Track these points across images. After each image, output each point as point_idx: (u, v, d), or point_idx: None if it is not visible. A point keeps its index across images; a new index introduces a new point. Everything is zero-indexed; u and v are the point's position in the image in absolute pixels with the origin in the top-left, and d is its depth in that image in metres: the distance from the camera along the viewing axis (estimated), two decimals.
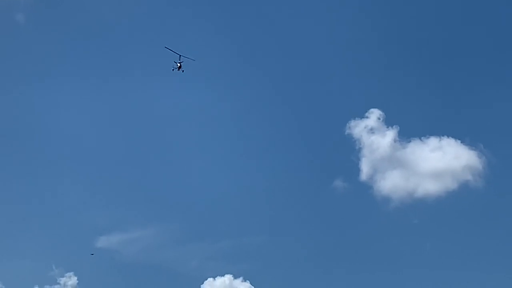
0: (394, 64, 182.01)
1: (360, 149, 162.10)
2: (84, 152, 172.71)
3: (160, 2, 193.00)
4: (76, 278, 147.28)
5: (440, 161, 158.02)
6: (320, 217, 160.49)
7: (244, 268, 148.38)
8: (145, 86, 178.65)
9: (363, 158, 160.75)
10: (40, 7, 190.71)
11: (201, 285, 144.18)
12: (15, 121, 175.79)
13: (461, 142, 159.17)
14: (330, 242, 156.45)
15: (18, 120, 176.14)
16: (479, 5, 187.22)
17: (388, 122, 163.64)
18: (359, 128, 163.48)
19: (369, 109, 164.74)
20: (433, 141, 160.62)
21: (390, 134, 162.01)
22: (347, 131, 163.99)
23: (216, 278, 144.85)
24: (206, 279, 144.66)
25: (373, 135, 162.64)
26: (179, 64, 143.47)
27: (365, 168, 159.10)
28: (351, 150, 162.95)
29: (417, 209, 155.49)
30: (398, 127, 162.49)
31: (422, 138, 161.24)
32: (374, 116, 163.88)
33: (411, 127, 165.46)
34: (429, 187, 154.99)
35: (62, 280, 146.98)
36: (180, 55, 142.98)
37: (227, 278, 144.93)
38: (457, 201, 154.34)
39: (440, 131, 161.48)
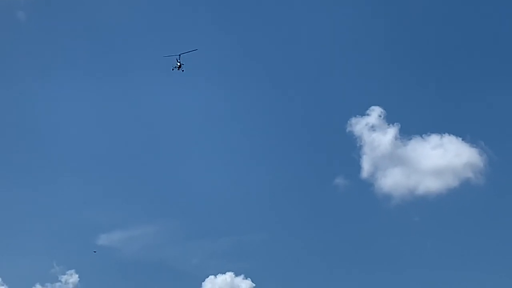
0: (395, 61, 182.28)
1: (361, 147, 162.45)
2: (85, 150, 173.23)
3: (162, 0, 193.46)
4: (77, 275, 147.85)
5: (441, 159, 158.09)
6: (321, 214, 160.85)
7: (245, 266, 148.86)
8: (147, 85, 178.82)
9: (364, 155, 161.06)
10: (41, 5, 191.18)
11: (203, 283, 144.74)
12: (16, 119, 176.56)
13: (462, 140, 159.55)
14: (331, 239, 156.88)
15: (19, 118, 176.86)
16: (480, 3, 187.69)
17: (389, 119, 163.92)
18: (360, 125, 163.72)
19: (370, 106, 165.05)
20: (434, 138, 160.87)
21: (391, 132, 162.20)
22: (348, 129, 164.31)
23: (217, 276, 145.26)
24: (208, 277, 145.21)
25: (374, 132, 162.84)
26: (179, 64, 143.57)
27: (366, 165, 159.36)
28: (352, 147, 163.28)
29: (418, 206, 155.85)
30: (399, 125, 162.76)
31: (423, 135, 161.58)
32: (375, 113, 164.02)
33: (412, 125, 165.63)
34: (430, 185, 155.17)
35: (63, 278, 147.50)
36: (179, 55, 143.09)
37: (229, 275, 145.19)
38: (458, 199, 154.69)
39: (441, 129, 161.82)
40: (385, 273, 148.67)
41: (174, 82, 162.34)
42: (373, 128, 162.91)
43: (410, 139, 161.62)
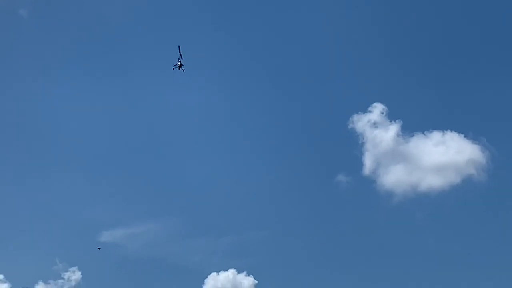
0: (397, 58, 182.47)
1: (363, 144, 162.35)
2: (88, 148, 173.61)
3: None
4: (80, 272, 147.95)
5: (443, 155, 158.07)
6: (323, 211, 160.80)
7: (247, 263, 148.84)
8: (149, 83, 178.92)
9: (366, 152, 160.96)
10: (42, 3, 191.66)
11: (205, 280, 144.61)
12: (18, 117, 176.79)
13: (464, 136, 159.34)
14: (333, 236, 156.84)
15: (21, 116, 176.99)
16: (482, 0, 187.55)
17: (391, 116, 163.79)
18: (362, 122, 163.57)
19: (372, 103, 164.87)
20: (436, 135, 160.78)
21: (393, 129, 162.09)
22: (350, 126, 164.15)
23: (219, 273, 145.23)
24: (210, 274, 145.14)
25: (376, 129, 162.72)
26: (179, 63, 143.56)
27: (368, 162, 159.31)
28: (354, 144, 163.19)
29: (420, 203, 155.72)
30: (401, 122, 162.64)
31: (425, 132, 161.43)
32: (377, 110, 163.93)
33: (414, 122, 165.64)
34: (432, 182, 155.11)
35: (66, 275, 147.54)
36: (180, 54, 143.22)
37: (231, 272, 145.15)
38: (460, 195, 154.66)
39: (443, 125, 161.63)
40: (387, 270, 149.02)
41: (176, 81, 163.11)
42: (375, 125, 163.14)
43: (412, 136, 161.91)
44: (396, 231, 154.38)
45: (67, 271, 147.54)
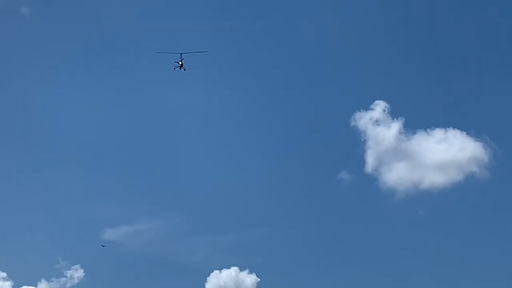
0: (399, 56, 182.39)
1: (365, 141, 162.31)
2: (90, 146, 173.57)
3: None
4: (82, 270, 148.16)
5: (445, 153, 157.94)
6: (326, 209, 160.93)
7: (250, 261, 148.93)
8: (152, 81, 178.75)
9: (368, 150, 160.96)
10: (44, 1, 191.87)
11: (207, 278, 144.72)
12: (20, 115, 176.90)
13: (467, 134, 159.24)
14: (335, 234, 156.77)
15: (23, 114, 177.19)
16: None
17: (393, 114, 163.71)
18: (364, 120, 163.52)
19: (374, 101, 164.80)
20: (438, 132, 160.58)
21: (395, 126, 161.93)
22: (352, 123, 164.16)
23: (222, 271, 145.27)
24: (212, 272, 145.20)
25: (378, 127, 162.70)
26: (180, 63, 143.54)
27: (370, 160, 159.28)
28: (356, 142, 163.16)
29: (423, 201, 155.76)
30: (403, 119, 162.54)
31: (427, 129, 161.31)
32: (379, 108, 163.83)
33: (416, 119, 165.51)
34: (435, 179, 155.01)
35: (69, 273, 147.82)
36: (181, 53, 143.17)
37: (233, 270, 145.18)
38: (462, 193, 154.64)
39: (445, 123, 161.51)
40: (390, 267, 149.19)
41: (178, 80, 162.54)
42: (377, 122, 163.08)
43: (415, 133, 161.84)
44: (398, 228, 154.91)
45: (69, 269, 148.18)
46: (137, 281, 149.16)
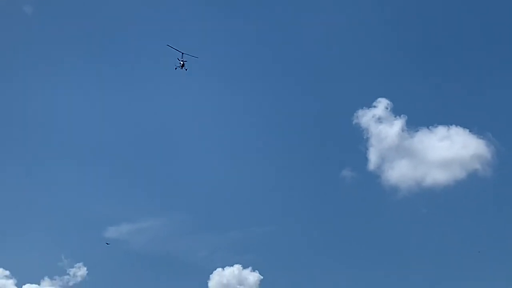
0: (401, 53, 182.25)
1: (368, 139, 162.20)
2: (93, 144, 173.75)
3: None
4: (85, 268, 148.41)
5: (448, 150, 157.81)
6: (328, 206, 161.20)
7: (253, 258, 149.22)
8: (154, 81, 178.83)
9: (371, 147, 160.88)
10: None
11: (210, 275, 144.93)
12: (24, 112, 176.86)
13: (469, 131, 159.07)
14: (338, 231, 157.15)
15: (27, 112, 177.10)
16: None
17: (396, 111, 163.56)
18: (367, 117, 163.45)
19: (376, 98, 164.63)
20: (441, 130, 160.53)
21: (398, 124, 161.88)
22: (355, 121, 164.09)
23: (225, 268, 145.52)
24: (215, 269, 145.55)
25: (381, 124, 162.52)
26: (182, 63, 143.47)
27: (373, 157, 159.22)
28: (359, 139, 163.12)
29: (425, 198, 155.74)
30: (406, 117, 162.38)
31: (430, 127, 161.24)
32: (382, 105, 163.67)
33: (419, 116, 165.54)
34: (437, 176, 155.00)
35: (72, 271, 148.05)
36: (182, 53, 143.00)
37: (236, 268, 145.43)
38: (465, 190, 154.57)
39: (448, 120, 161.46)
40: (392, 265, 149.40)
41: (181, 79, 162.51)
42: (379, 120, 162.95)
43: (417, 131, 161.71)
44: (400, 226, 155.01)
45: (72, 267, 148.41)
46: (140, 279, 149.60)
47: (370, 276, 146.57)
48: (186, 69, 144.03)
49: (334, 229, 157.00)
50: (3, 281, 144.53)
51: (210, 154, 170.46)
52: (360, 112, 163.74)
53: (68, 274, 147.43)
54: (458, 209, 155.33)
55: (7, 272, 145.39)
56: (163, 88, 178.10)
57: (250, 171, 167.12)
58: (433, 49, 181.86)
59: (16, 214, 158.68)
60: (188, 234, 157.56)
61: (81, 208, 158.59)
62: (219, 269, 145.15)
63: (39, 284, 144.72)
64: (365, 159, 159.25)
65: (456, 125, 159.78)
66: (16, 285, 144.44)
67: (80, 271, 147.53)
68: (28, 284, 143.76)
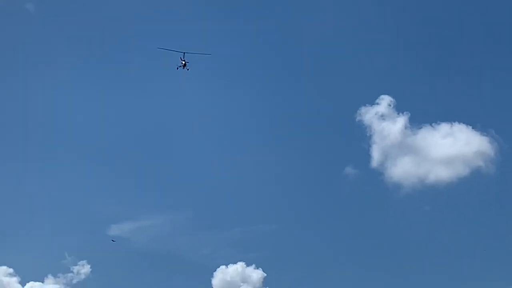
0: (404, 50, 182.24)
1: (370, 136, 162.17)
2: (96, 142, 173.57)
3: None
4: (89, 266, 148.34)
5: (451, 147, 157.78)
6: (331, 204, 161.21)
7: (256, 256, 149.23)
8: (157, 79, 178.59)
9: (374, 144, 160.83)
10: None
11: (214, 273, 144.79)
12: (27, 110, 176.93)
13: (473, 128, 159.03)
14: (341, 229, 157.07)
15: (30, 109, 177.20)
16: None
17: (399, 108, 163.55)
18: (369, 114, 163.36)
19: (379, 95, 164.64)
20: (444, 127, 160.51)
21: (401, 121, 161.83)
22: (357, 118, 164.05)
23: (228, 266, 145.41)
24: (219, 267, 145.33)
25: (383, 121, 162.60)
26: (183, 62, 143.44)
27: (376, 154, 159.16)
28: (362, 137, 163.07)
29: (428, 195, 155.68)
30: (409, 114, 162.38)
31: (433, 124, 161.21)
32: (385, 102, 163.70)
33: (422, 113, 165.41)
34: (441, 174, 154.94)
35: (75, 269, 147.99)
36: (184, 53, 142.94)
37: (240, 265, 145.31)
38: (468, 188, 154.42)
39: (451, 117, 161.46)
40: (395, 262, 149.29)
41: (183, 77, 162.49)
42: (382, 117, 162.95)
43: (420, 128, 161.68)
44: (403, 223, 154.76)
45: (76, 264, 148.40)
46: (143, 276, 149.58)
47: (373, 273, 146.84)
48: (188, 69, 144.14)
49: (337, 227, 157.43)
50: (7, 278, 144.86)
51: (212, 151, 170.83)
52: (363, 109, 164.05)
53: (72, 272, 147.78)
54: (461, 206, 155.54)
55: (11, 270, 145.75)
56: (165, 86, 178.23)
57: (253, 168, 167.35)
58: (436, 46, 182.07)
59: (19, 212, 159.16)
60: (191, 232, 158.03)
61: (85, 206, 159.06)
62: (223, 267, 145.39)
63: (42, 282, 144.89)
64: (368, 156, 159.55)
65: (459, 122, 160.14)
66: (20, 282, 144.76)
67: (83, 269, 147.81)
68: (32, 282, 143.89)
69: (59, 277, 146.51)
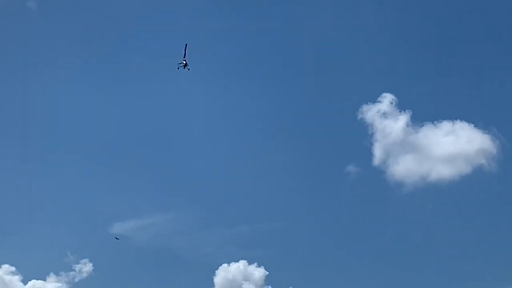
0: (406, 48, 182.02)
1: (372, 134, 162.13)
2: (98, 140, 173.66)
3: None
4: (91, 264, 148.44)
5: (453, 145, 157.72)
6: (333, 202, 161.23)
7: (258, 254, 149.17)
8: (159, 77, 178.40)
9: (375, 142, 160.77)
10: None
11: (216, 271, 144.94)
12: (28, 108, 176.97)
13: (474, 126, 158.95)
14: (343, 227, 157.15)
15: (31, 107, 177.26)
16: None
17: (401, 106, 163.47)
18: (371, 112, 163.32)
19: (381, 93, 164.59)
20: (446, 125, 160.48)
21: (403, 119, 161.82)
22: (359, 116, 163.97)
23: (230, 264, 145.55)
24: (221, 265, 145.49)
25: (385, 119, 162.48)
26: (184, 62, 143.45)
27: (378, 153, 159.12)
28: (363, 135, 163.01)
29: (430, 193, 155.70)
30: (411, 112, 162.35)
31: (435, 122, 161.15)
32: (387, 100, 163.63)
33: (424, 111, 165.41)
34: (443, 172, 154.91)
35: (77, 267, 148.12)
36: (185, 53, 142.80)
37: (242, 263, 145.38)
38: (470, 186, 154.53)
39: (453, 115, 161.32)
40: (398, 260, 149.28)
41: (186, 75, 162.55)
42: (384, 115, 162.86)
43: (422, 126, 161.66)
44: (406, 221, 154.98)
45: (78, 263, 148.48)
46: (145, 274, 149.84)
47: (376, 271, 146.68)
48: (188, 69, 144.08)
49: (339, 225, 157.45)
50: (9, 277, 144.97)
51: (214, 149, 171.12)
52: (365, 107, 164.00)
53: (74, 270, 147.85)
54: (463, 204, 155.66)
55: (13, 268, 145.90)
56: (168, 85, 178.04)
57: (255, 167, 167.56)
58: (438, 44, 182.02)
59: (21, 210, 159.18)
60: (193, 230, 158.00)
61: (87, 205, 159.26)
62: (225, 265, 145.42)
63: (45, 280, 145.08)
64: (370, 155, 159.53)
65: (461, 120, 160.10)
66: (22, 281, 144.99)
67: (85, 267, 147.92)
68: (34, 280, 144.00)
69: (61, 276, 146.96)
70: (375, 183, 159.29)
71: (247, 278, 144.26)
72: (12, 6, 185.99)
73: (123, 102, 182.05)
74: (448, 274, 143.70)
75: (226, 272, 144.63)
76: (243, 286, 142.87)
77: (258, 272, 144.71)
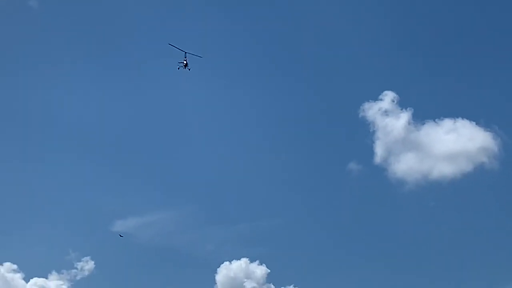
0: (407, 46, 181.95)
1: (374, 132, 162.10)
2: (100, 138, 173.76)
3: None
4: (93, 262, 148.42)
5: (455, 143, 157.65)
6: (335, 200, 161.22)
7: (260, 252, 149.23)
8: (160, 75, 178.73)
9: (377, 140, 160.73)
10: None
11: (217, 269, 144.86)
12: (31, 106, 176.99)
13: (476, 124, 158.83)
14: (345, 225, 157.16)
15: (34, 105, 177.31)
16: None
17: (402, 104, 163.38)
18: (373, 110, 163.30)
19: (383, 91, 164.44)
20: (447, 123, 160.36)
21: (404, 117, 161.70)
22: (361, 114, 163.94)
23: (232, 262, 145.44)
24: (222, 263, 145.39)
25: (387, 117, 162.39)
26: (185, 62, 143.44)
27: (379, 150, 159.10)
28: (365, 132, 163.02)
29: (432, 191, 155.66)
30: (412, 109, 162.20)
31: (436, 120, 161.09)
32: (388, 98, 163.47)
33: (425, 109, 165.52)
34: (444, 170, 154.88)
35: (79, 265, 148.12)
36: (185, 52, 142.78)
37: (243, 261, 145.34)
38: (472, 183, 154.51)
39: (454, 113, 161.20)
40: (399, 258, 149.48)
41: (187, 73, 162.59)
42: (386, 113, 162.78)
43: (424, 123, 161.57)
44: (407, 219, 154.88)
45: (80, 261, 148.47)
46: (147, 272, 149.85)
47: (377, 269, 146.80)
48: (189, 69, 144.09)
49: (341, 223, 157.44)
50: (11, 275, 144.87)
51: (216, 147, 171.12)
52: (366, 105, 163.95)
53: (76, 268, 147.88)
54: (465, 202, 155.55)
55: (15, 266, 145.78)
56: (169, 83, 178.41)
57: (257, 164, 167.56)
58: (439, 42, 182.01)
59: (23, 208, 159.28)
60: (195, 227, 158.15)
61: (88, 202, 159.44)
62: (226, 263, 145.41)
63: (46, 278, 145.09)
64: (372, 152, 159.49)
65: (463, 117, 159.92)
66: (23, 279, 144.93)
67: (87, 265, 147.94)
68: (36, 278, 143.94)
69: (63, 273, 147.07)
70: (377, 181, 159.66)
71: (248, 276, 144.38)
72: (13, 5, 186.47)
73: (124, 101, 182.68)
74: (449, 272, 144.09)
75: (228, 270, 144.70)
76: (244, 284, 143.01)
77: (259, 270, 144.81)
